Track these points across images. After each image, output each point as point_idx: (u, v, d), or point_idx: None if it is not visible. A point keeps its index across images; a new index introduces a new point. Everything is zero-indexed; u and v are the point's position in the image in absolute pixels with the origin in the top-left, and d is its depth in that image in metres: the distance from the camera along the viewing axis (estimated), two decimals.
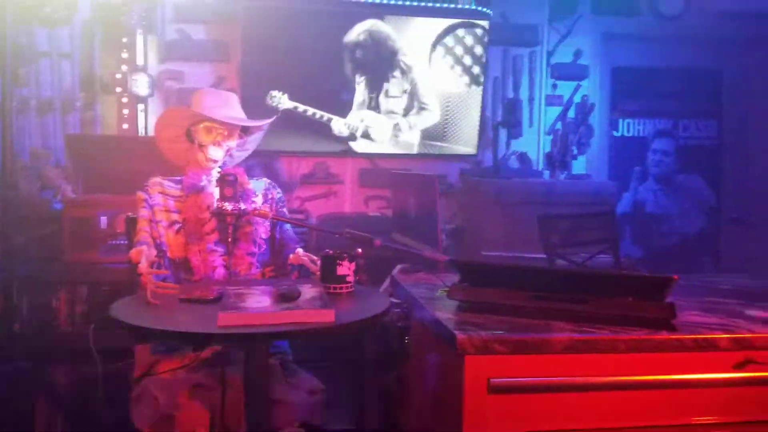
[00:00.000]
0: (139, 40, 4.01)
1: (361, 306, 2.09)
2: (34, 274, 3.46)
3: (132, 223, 2.51)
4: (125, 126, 4.02)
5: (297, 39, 4.11)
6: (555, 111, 4.69)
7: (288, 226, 2.63)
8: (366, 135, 4.30)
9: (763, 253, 4.93)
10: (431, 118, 4.40)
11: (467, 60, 4.39)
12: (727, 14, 4.66)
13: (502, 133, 4.54)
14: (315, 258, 2.36)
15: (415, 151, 4.41)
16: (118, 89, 3.97)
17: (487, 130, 4.61)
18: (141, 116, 4.03)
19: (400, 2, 4.25)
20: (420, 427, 2.23)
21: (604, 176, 4.87)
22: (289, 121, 4.08)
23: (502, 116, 4.58)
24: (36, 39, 3.93)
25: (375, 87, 4.28)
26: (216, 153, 2.45)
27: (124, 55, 4.00)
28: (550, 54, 4.72)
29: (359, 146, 4.31)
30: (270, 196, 2.60)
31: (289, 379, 2.30)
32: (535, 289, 1.91)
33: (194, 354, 2.24)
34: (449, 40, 4.35)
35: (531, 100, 4.71)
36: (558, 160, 4.38)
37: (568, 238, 3.34)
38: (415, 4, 4.28)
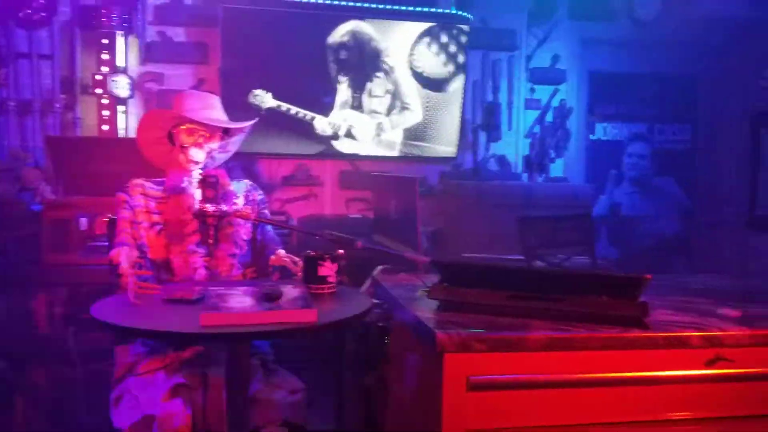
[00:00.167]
0: (120, 42, 4.02)
1: (343, 306, 2.10)
2: (13, 276, 3.44)
3: (113, 224, 2.51)
4: (105, 127, 4.02)
5: (278, 41, 4.13)
6: (533, 114, 4.76)
7: (269, 227, 2.64)
8: (349, 134, 4.33)
9: (734, 254, 5.03)
10: (413, 117, 4.44)
11: (447, 63, 4.44)
12: (701, 21, 4.75)
13: (482, 136, 4.60)
14: (296, 259, 2.37)
15: (397, 150, 4.45)
16: (99, 91, 3.97)
17: (466, 132, 4.65)
18: (121, 118, 4.04)
19: (381, 6, 4.29)
20: (400, 425, 2.25)
21: (581, 179, 4.94)
22: (270, 123, 4.10)
23: (482, 119, 4.63)
24: (15, 40, 3.91)
25: (358, 87, 4.31)
26: (197, 155, 2.46)
27: (105, 57, 4.00)
28: (528, 58, 4.79)
29: (342, 145, 4.34)
30: (251, 198, 2.61)
31: (270, 378, 2.31)
32: (513, 288, 1.94)
33: (175, 355, 2.24)
34: (430, 43, 4.39)
35: (510, 103, 4.77)
36: (536, 163, 4.45)
37: (546, 239, 3.40)
38: (396, 7, 4.31)
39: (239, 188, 2.59)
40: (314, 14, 4.18)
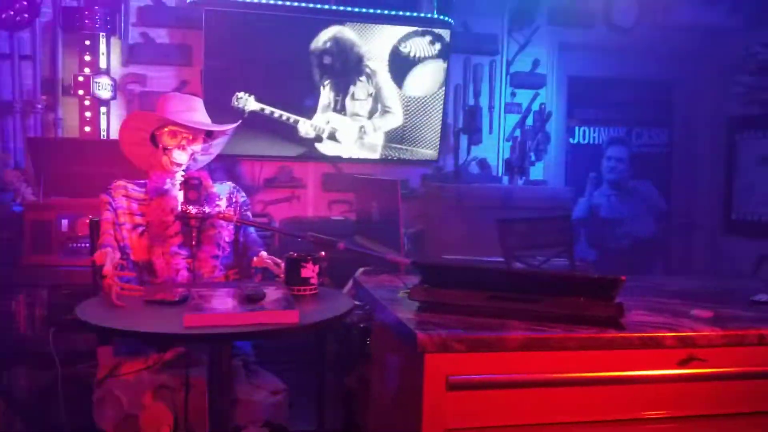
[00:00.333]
0: (102, 43, 4.00)
1: (325, 307, 2.12)
2: None
3: (95, 225, 2.51)
4: (87, 129, 4.00)
5: (261, 44, 4.14)
6: (514, 118, 4.81)
7: (252, 229, 2.65)
8: (332, 137, 4.34)
9: (709, 257, 5.12)
10: (394, 120, 4.47)
11: (429, 67, 4.47)
12: (678, 27, 4.82)
13: (463, 140, 4.63)
14: (279, 261, 2.39)
15: (378, 153, 4.47)
16: (81, 92, 3.96)
17: (448, 136, 4.69)
18: (103, 119, 4.02)
19: (363, 10, 4.31)
20: (381, 425, 2.27)
21: (561, 182, 4.99)
22: (253, 125, 4.11)
23: (463, 123, 4.67)
24: None
25: (341, 90, 4.33)
26: (180, 157, 2.47)
27: (87, 58, 3.98)
28: (509, 63, 4.83)
29: (325, 148, 4.36)
30: (234, 200, 2.63)
31: (252, 379, 2.33)
32: (493, 289, 1.97)
33: (157, 356, 2.26)
34: (411, 47, 4.42)
35: (491, 107, 4.81)
36: (516, 166, 4.50)
37: (526, 241, 3.45)
38: (378, 11, 4.34)
39: (222, 190, 2.61)
40: (297, 18, 4.19)
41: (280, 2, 4.14)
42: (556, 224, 3.64)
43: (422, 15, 4.42)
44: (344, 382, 2.87)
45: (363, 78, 4.36)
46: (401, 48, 4.40)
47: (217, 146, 2.65)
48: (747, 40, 4.74)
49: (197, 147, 2.51)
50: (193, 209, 2.36)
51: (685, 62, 5.10)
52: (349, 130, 4.36)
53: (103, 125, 4.02)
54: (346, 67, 4.30)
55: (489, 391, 1.75)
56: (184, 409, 2.11)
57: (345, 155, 4.41)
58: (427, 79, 4.48)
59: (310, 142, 4.32)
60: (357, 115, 4.37)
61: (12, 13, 3.62)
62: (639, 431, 1.85)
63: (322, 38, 4.23)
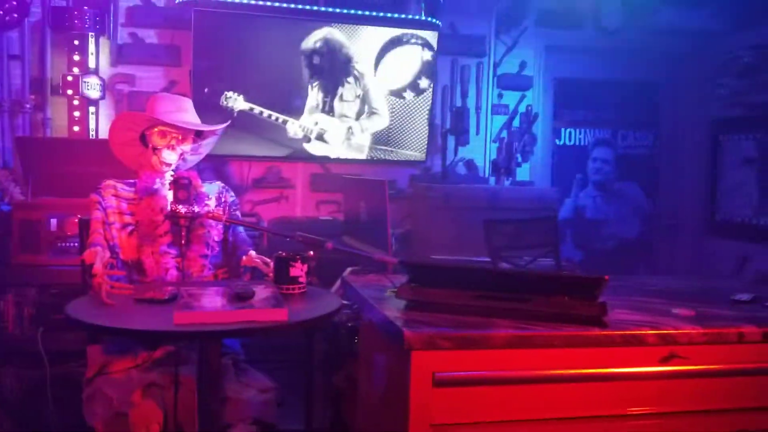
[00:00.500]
0: (91, 43, 4.00)
1: (313, 306, 2.14)
2: None
3: (85, 225, 2.52)
4: (76, 128, 4.00)
5: (250, 44, 4.15)
6: (501, 120, 4.85)
7: (241, 228, 2.67)
8: (320, 137, 4.36)
9: (693, 257, 5.17)
10: (381, 122, 4.49)
11: (416, 68, 4.49)
12: (663, 30, 4.87)
13: (450, 141, 4.65)
14: (267, 260, 2.41)
15: (365, 154, 4.49)
16: (69, 92, 3.95)
17: (436, 137, 4.72)
18: (92, 119, 4.02)
19: (352, 11, 4.33)
20: (369, 423, 2.29)
21: (547, 183, 5.03)
22: (242, 126, 4.12)
23: (451, 124, 4.69)
24: None
25: (329, 91, 4.35)
26: (170, 157, 2.49)
27: (76, 58, 3.98)
28: (496, 65, 4.87)
29: (314, 148, 4.37)
30: (223, 199, 2.64)
31: (241, 378, 2.35)
32: (479, 288, 1.99)
33: (146, 354, 2.27)
34: (399, 49, 4.44)
35: (478, 108, 4.84)
36: (503, 167, 4.53)
37: (512, 241, 3.48)
38: (366, 13, 4.35)
39: (211, 190, 2.63)
40: (285, 19, 4.20)
41: (269, 3, 4.15)
42: (542, 225, 3.67)
43: (410, 17, 4.44)
44: (332, 380, 2.89)
45: (351, 80, 4.38)
46: (389, 49, 4.42)
47: (207, 146, 2.66)
48: (731, 43, 4.79)
49: (187, 147, 2.53)
50: (182, 209, 2.37)
51: (671, 65, 5.16)
52: (338, 131, 4.38)
53: (92, 125, 4.02)
54: (334, 69, 4.32)
55: (475, 387, 1.77)
56: (174, 407, 2.12)
57: (333, 156, 4.43)
58: (414, 80, 4.50)
59: (298, 143, 4.33)
60: (345, 116, 4.39)
61: (1, 12, 3.62)
62: (622, 427, 1.87)
63: (313, 39, 4.25)
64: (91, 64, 4.01)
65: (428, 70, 4.51)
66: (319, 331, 2.95)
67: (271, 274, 2.34)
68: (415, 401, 1.73)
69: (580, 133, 5.21)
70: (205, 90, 4.06)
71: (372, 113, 4.45)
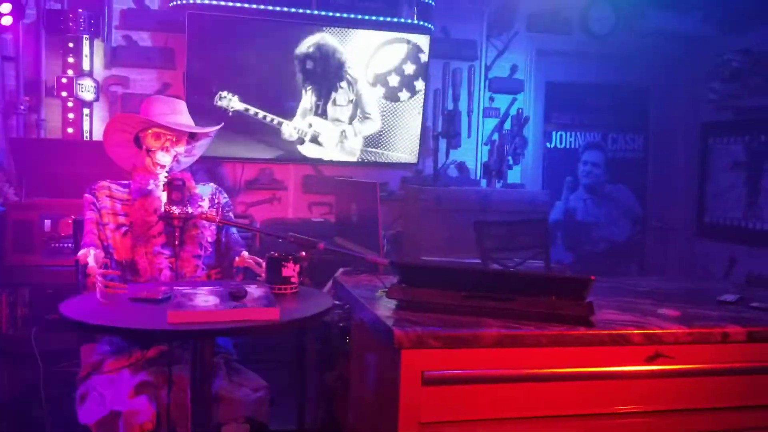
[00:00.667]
0: (86, 45, 4.01)
1: (305, 305, 2.17)
2: None
3: (78, 225, 2.54)
4: (70, 130, 4.01)
5: (243, 47, 4.17)
6: (492, 123, 4.88)
7: (234, 229, 2.69)
8: (314, 140, 4.38)
9: (682, 259, 5.21)
10: (373, 126, 4.51)
11: (409, 72, 4.52)
12: (653, 34, 4.91)
13: (442, 143, 4.68)
14: (260, 260, 2.43)
15: (357, 156, 4.51)
16: (64, 93, 3.96)
17: (427, 139, 4.74)
18: (86, 121, 4.03)
19: (344, 15, 4.35)
20: (360, 422, 2.30)
21: (538, 185, 5.05)
22: (235, 128, 4.13)
23: (442, 127, 4.71)
24: None
25: (322, 95, 4.37)
26: (164, 158, 2.51)
27: (70, 60, 4.00)
28: (487, 68, 4.90)
29: (308, 150, 4.39)
30: (216, 201, 2.66)
31: (233, 377, 2.37)
32: (468, 288, 2.01)
33: (140, 353, 2.29)
34: (392, 53, 4.46)
35: (470, 112, 4.87)
36: (494, 169, 4.56)
37: (503, 243, 3.51)
38: (359, 17, 4.37)
39: (204, 191, 2.65)
40: (278, 23, 4.22)
41: (262, 6, 4.17)
42: (532, 227, 3.70)
43: (402, 20, 4.46)
44: (324, 379, 2.91)
45: (344, 84, 4.40)
46: (381, 53, 4.44)
47: (200, 148, 2.68)
48: (721, 47, 4.83)
49: (180, 149, 2.55)
50: (176, 210, 2.39)
51: (661, 69, 5.19)
52: (331, 134, 4.40)
53: (86, 126, 4.03)
54: (327, 73, 4.34)
55: (463, 386, 1.80)
56: (167, 406, 2.14)
57: (326, 158, 4.45)
58: (406, 84, 4.53)
59: (292, 145, 4.35)
60: (338, 120, 4.41)
61: None
62: (608, 425, 1.89)
63: (306, 43, 4.27)
64: (86, 66, 4.03)
65: (420, 73, 4.53)
66: (311, 330, 2.97)
67: (263, 275, 2.36)
68: (404, 400, 1.75)
69: (570, 136, 5.24)
70: (199, 93, 4.07)
71: (365, 118, 4.47)
